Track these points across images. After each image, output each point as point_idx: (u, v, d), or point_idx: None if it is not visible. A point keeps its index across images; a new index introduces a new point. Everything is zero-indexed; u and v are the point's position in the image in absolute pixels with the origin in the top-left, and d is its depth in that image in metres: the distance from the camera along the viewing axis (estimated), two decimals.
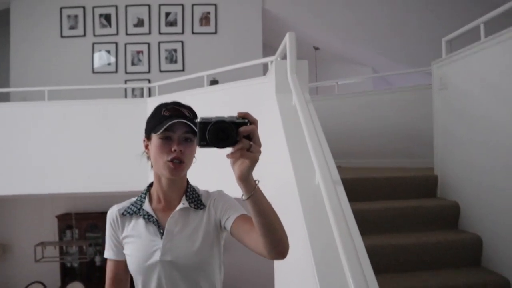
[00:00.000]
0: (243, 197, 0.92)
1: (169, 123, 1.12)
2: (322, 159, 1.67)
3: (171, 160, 1.14)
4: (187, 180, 1.28)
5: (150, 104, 4.05)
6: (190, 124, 1.13)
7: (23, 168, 4.18)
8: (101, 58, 5.84)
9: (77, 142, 4.19)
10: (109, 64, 5.87)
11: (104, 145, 4.19)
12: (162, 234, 1.20)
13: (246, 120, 0.87)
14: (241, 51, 5.61)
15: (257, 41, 5.80)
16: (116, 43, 5.84)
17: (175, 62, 5.84)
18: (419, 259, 2.34)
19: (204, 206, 1.24)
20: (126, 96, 5.75)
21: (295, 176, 1.82)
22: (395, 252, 2.32)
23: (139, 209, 1.25)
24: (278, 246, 1.01)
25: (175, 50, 5.85)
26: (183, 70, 5.78)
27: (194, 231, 1.21)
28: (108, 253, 1.29)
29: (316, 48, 7.22)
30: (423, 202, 2.76)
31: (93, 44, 5.83)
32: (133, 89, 5.74)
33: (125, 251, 1.26)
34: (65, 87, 4.72)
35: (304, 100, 2.04)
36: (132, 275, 1.25)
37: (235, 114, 0.88)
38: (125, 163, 3.92)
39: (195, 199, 1.25)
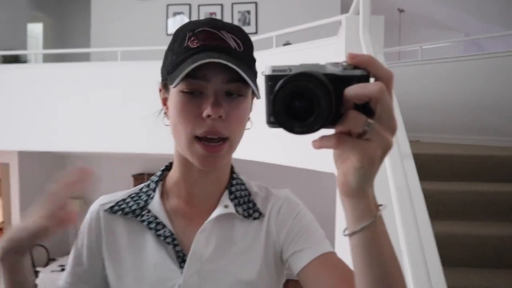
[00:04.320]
0: (345, 231, 0.48)
1: (194, 65, 0.60)
2: None
3: (202, 137, 0.64)
4: (232, 167, 0.78)
5: None
6: (236, 67, 0.60)
7: (100, 127, 4.34)
8: (175, 21, 5.86)
9: (147, 102, 4.26)
10: None
11: None
12: (182, 259, 0.69)
13: (364, 71, 0.43)
14: (317, 13, 5.28)
15: (335, 1, 5.44)
16: (190, 5, 5.82)
17: (248, 24, 5.70)
18: (499, 254, 2.03)
19: (260, 214, 0.73)
20: None
21: None
22: (471, 243, 2.03)
23: (142, 208, 0.73)
24: None
25: (248, 12, 5.71)
26: (256, 32, 5.62)
27: (243, 257, 0.70)
28: (67, 281, 0.73)
29: (401, 10, 6.69)
30: (510, 187, 2.38)
31: (167, 5, 5.85)
32: None
33: (111, 284, 0.72)
34: (138, 47, 4.78)
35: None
36: None
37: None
38: None
39: (245, 200, 0.74)
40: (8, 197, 6.23)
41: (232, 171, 0.77)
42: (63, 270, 5.02)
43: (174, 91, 0.65)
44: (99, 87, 4.36)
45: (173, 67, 0.65)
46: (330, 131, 0.43)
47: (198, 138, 0.64)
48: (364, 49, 1.95)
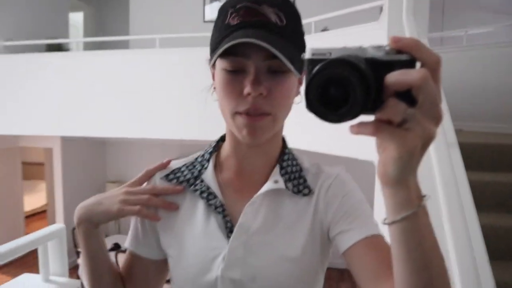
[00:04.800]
0: (385, 220, 0.47)
1: (227, 45, 0.59)
2: None
3: (245, 113, 0.64)
4: (284, 140, 0.78)
5: None
6: (268, 45, 0.58)
7: (138, 113, 4.43)
8: (212, 8, 5.86)
9: (184, 89, 4.30)
10: None
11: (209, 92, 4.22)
12: (230, 229, 0.70)
13: (408, 56, 0.40)
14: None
15: None
16: None
17: None
18: None
19: (310, 190, 0.72)
20: None
21: None
22: None
23: (195, 178, 0.75)
24: None
25: None
26: None
27: (290, 232, 0.70)
28: (130, 243, 0.80)
29: None
30: None
31: None
32: None
33: (165, 249, 0.77)
34: (175, 35, 4.83)
35: None
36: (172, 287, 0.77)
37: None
38: None
39: (296, 175, 0.73)
40: (52, 181, 6.51)
41: (284, 146, 0.77)
42: (117, 248, 5.13)
43: (218, 69, 0.66)
44: (137, 74, 4.44)
45: (215, 45, 0.65)
46: (370, 118, 0.41)
47: (240, 114, 0.64)
48: (408, 34, 1.88)
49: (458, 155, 1.46)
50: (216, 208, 0.71)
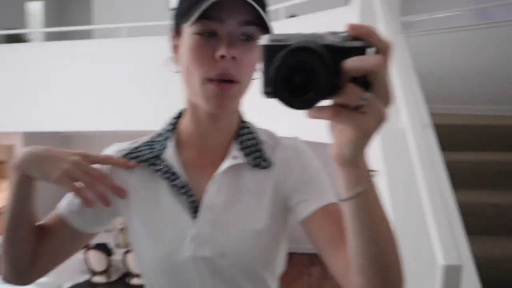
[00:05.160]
0: (340, 198, 0.51)
1: (210, 2, 0.60)
2: (411, 97, 1.43)
3: (215, 79, 0.63)
4: (241, 115, 0.78)
5: None
6: (253, 4, 0.60)
7: (104, 105, 4.33)
8: None
9: (152, 79, 4.22)
10: None
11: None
12: (195, 209, 0.71)
13: (363, 43, 0.42)
14: None
15: None
16: None
17: None
18: None
19: (270, 163, 0.73)
20: None
21: None
22: (487, 212, 2.02)
23: (156, 156, 0.73)
24: (381, 286, 0.54)
25: None
26: None
27: (253, 206, 0.72)
28: (64, 208, 0.75)
29: None
30: None
31: None
32: None
33: (130, 233, 0.76)
34: (141, 23, 4.72)
35: (393, 30, 1.76)
36: (142, 275, 0.77)
37: None
38: None
39: (254, 149, 0.74)
40: None
41: (241, 120, 0.77)
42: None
43: (187, 34, 0.65)
44: (102, 65, 4.33)
45: (185, 11, 0.64)
46: (327, 102, 0.42)
47: (210, 80, 0.64)
48: (381, 15, 1.90)
49: (432, 134, 1.51)
50: (179, 188, 0.71)
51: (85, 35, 5.29)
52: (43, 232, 0.75)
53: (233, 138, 0.75)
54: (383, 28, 1.81)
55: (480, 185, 2.23)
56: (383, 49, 0.42)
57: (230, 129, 0.75)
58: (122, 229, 5.86)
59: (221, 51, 0.61)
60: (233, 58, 0.62)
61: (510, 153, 2.41)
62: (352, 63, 0.40)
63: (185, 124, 0.75)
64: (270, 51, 0.41)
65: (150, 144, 0.76)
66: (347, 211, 0.50)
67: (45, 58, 4.35)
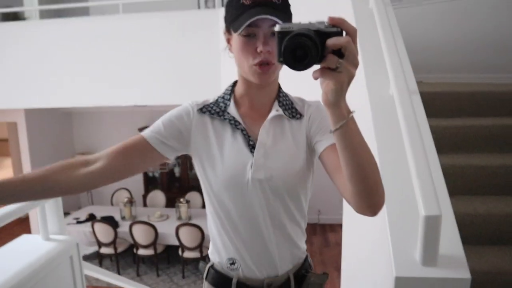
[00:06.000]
0: (330, 131, 0.74)
1: (250, 20, 0.89)
2: (398, 66, 1.51)
3: (258, 64, 0.94)
4: (279, 84, 1.09)
5: (221, 16, 3.93)
6: (275, 18, 0.88)
7: (104, 81, 4.38)
8: None
9: (152, 54, 4.25)
10: None
11: (177, 57, 4.20)
12: (252, 146, 1.01)
13: (338, 29, 0.67)
14: None
15: None
16: None
17: None
18: (499, 181, 2.14)
19: (301, 115, 1.06)
20: (199, 7, 5.71)
21: (367, 86, 1.68)
22: (473, 173, 2.14)
23: (223, 112, 1.05)
24: (368, 199, 0.81)
25: None
26: None
27: (291, 145, 1.03)
28: (150, 135, 1.02)
29: None
30: (510, 121, 2.45)
31: None
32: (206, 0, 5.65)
33: (204, 164, 1.04)
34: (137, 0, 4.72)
35: (382, 2, 1.82)
36: (209, 194, 1.06)
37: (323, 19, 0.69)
38: (195, 76, 3.95)
39: (290, 106, 1.06)
40: (18, 156, 6.34)
41: (279, 87, 1.08)
42: (78, 223, 5.21)
43: (235, 35, 0.95)
44: (101, 41, 4.35)
45: (234, 18, 0.94)
46: (317, 67, 0.68)
47: (255, 65, 0.94)
48: None
49: (419, 100, 1.60)
50: (242, 131, 1.02)
51: (83, 12, 5.27)
52: (121, 150, 0.98)
53: (274, 99, 1.06)
54: (373, 0, 1.89)
55: (467, 148, 2.32)
56: (351, 32, 0.67)
57: (271, 94, 1.06)
58: (126, 203, 6.01)
59: (260, 47, 0.92)
60: (268, 51, 0.92)
61: (497, 118, 2.51)
62: (332, 41, 0.65)
63: (239, 89, 1.07)
64: (281, 35, 0.67)
65: (217, 103, 1.07)
66: (336, 140, 0.76)
67: (44, 36, 4.37)
